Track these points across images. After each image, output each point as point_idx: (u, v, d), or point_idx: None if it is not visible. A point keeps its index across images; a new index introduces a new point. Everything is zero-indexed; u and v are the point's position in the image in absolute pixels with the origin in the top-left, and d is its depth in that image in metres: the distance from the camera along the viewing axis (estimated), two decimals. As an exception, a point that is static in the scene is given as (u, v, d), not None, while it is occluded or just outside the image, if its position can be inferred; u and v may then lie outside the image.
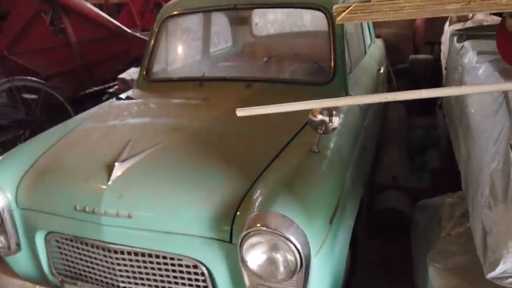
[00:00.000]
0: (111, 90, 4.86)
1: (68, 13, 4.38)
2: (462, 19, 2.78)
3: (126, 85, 4.92)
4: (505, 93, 0.89)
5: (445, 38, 3.67)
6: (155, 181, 1.56)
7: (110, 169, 1.60)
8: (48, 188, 1.70)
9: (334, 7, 0.84)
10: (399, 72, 4.94)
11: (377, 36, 4.88)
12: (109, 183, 1.55)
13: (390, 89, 4.76)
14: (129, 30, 4.45)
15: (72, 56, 4.46)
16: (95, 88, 4.77)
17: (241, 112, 1.15)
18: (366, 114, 2.42)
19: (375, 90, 2.98)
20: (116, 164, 1.60)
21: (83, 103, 4.27)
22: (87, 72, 4.52)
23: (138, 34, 4.47)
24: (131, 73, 5.00)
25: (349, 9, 0.78)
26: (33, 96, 3.38)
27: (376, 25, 6.04)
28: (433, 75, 4.28)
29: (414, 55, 4.91)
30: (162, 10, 2.76)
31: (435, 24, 4.67)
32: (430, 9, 0.78)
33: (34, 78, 3.52)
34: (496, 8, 0.75)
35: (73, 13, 4.37)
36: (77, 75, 4.48)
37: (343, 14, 0.80)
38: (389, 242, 2.68)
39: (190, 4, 2.69)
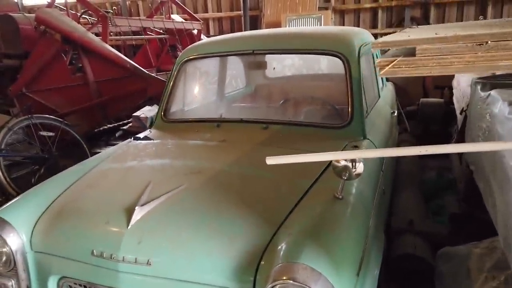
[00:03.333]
0: (125, 127, 4.92)
1: (87, 53, 4.53)
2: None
3: (140, 122, 4.99)
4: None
5: (456, 82, 3.71)
6: (175, 227, 1.53)
7: (129, 213, 1.58)
8: (65, 231, 1.67)
9: (377, 60, 0.85)
10: (409, 115, 4.97)
11: (387, 80, 4.97)
12: (129, 227, 1.52)
13: (402, 130, 4.78)
14: (145, 70, 4.57)
15: (89, 94, 4.56)
16: (110, 125, 4.84)
17: (270, 161, 1.14)
18: (383, 160, 2.40)
19: (390, 133, 2.98)
20: (136, 208, 1.58)
21: (97, 139, 4.31)
22: (102, 110, 4.60)
23: (153, 75, 4.58)
24: (145, 111, 5.09)
25: (393, 63, 0.78)
26: (50, 134, 3.42)
27: (385, 68, 6.16)
28: (444, 117, 4.30)
29: (424, 98, 4.96)
30: (181, 54, 2.84)
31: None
32: (480, 65, 0.78)
33: (52, 116, 3.58)
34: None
35: (92, 53, 4.52)
36: (93, 113, 4.56)
37: (387, 68, 0.80)
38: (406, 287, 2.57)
39: (209, 49, 2.77)
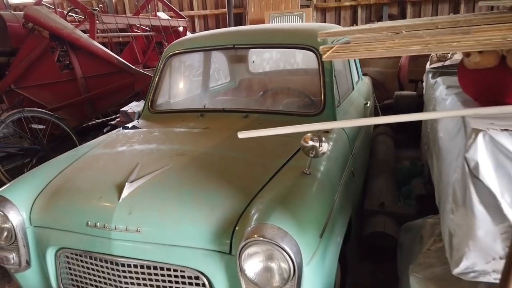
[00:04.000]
0: (113, 123, 5.06)
1: (75, 50, 4.66)
2: (441, 59, 3.06)
3: (128, 117, 5.14)
4: (463, 118, 1.09)
5: (425, 80, 3.98)
6: (161, 200, 1.72)
7: (120, 189, 1.76)
8: (62, 206, 1.84)
9: (321, 47, 1.04)
10: (386, 108, 5.22)
11: (365, 74, 5.21)
12: (120, 201, 1.71)
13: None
14: (132, 66, 4.72)
15: (78, 90, 4.69)
16: (98, 121, 4.98)
17: (242, 135, 1.34)
18: (354, 144, 2.63)
19: (363, 122, 3.20)
20: (126, 184, 1.77)
21: (85, 134, 4.45)
22: (91, 105, 4.73)
23: (141, 70, 4.74)
24: (133, 106, 5.23)
25: (333, 49, 0.98)
26: (40, 127, 3.56)
27: (364, 64, 6.44)
28: (417, 109, 4.55)
29: (399, 91, 5.22)
30: (167, 48, 3.02)
31: (418, 63, 5.02)
32: (397, 49, 0.99)
33: (42, 110, 3.72)
34: (448, 49, 0.96)
35: (80, 50, 4.65)
36: (82, 108, 4.70)
37: (328, 53, 1.00)
38: (378, 265, 2.81)
39: (193, 44, 2.96)
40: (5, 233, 1.89)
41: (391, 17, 7.30)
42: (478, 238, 1.00)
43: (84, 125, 4.77)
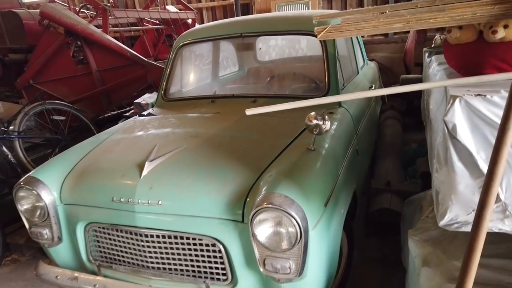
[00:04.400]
0: (127, 114, 5.26)
1: (90, 45, 4.84)
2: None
3: (141, 109, 5.32)
4: (445, 88, 1.22)
5: (423, 61, 4.06)
6: (178, 175, 1.89)
7: (141, 167, 1.94)
8: (89, 185, 2.03)
9: (316, 28, 1.17)
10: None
11: (372, 60, 5.29)
12: (141, 178, 1.88)
13: (388, 107, 5.13)
14: (145, 58, 4.89)
15: (93, 83, 4.88)
16: (113, 112, 5.17)
17: (249, 112, 1.48)
18: (358, 125, 2.76)
19: (367, 105, 3.32)
20: (146, 163, 1.94)
21: (102, 126, 4.65)
22: (106, 97, 4.93)
23: (153, 62, 4.91)
24: (146, 98, 5.42)
25: (326, 29, 1.12)
26: (61, 118, 3.76)
27: (371, 50, 6.51)
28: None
29: (405, 75, 5.28)
30: (177, 39, 3.17)
31: (424, 47, 5.08)
32: (382, 27, 1.12)
33: (62, 102, 3.92)
34: (426, 25, 1.09)
35: (94, 44, 4.83)
36: (98, 100, 4.89)
37: (322, 33, 1.13)
38: (384, 240, 2.95)
39: (202, 34, 3.10)
40: (39, 211, 2.08)
41: (398, 2, 7.29)
42: (459, 192, 1.13)
43: (100, 117, 4.97)
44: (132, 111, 5.43)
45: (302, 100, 1.51)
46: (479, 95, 1.04)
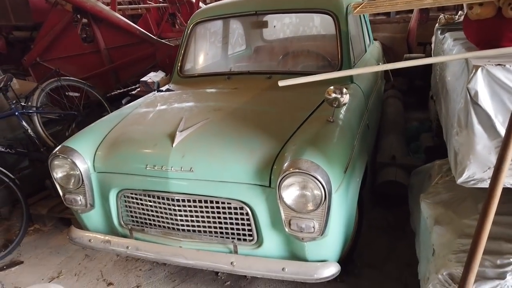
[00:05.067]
0: (133, 92, 5.34)
1: (98, 22, 4.87)
2: (449, 21, 3.25)
3: (148, 87, 5.41)
4: (466, 60, 1.35)
5: (435, 38, 4.16)
6: (208, 144, 2.02)
7: (172, 137, 2.06)
8: (122, 154, 2.15)
9: (352, 4, 1.28)
10: (395, 71, 5.42)
11: (375, 39, 5.38)
12: (173, 146, 2.01)
13: (389, 87, 5.27)
14: (153, 36, 4.94)
15: (101, 61, 4.94)
16: (119, 91, 5.25)
17: (282, 83, 1.60)
18: (368, 101, 2.89)
19: (375, 82, 3.45)
20: (177, 133, 2.07)
21: (111, 103, 4.74)
22: (114, 75, 5.00)
23: (162, 40, 4.96)
24: (152, 76, 5.50)
25: (362, 5, 1.23)
26: (76, 94, 3.85)
27: (374, 29, 6.57)
28: (425, 70, 4.72)
29: (408, 54, 5.39)
30: (192, 16, 3.25)
31: (427, 27, 5.18)
32: (413, 3, 1.24)
33: (76, 79, 3.99)
34: (454, 2, 1.21)
35: (103, 21, 4.86)
36: (106, 78, 4.96)
37: (358, 8, 1.25)
38: (389, 210, 3.13)
39: (216, 11, 3.18)
40: (73, 179, 2.21)
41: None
42: (477, 152, 1.28)
43: (108, 94, 5.04)
44: (139, 89, 5.52)
45: (329, 73, 1.63)
46: (499, 64, 1.17)
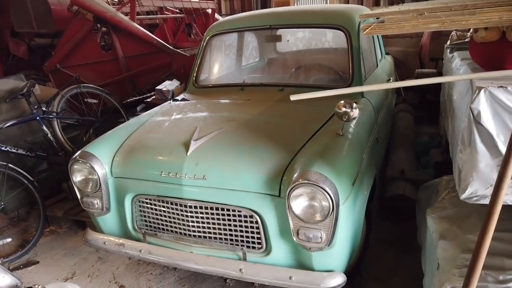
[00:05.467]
0: (149, 100, 5.48)
1: (117, 32, 5.04)
2: (461, 37, 3.31)
3: (162, 95, 5.55)
4: (471, 80, 1.41)
5: (444, 56, 4.21)
6: (221, 153, 2.10)
7: (186, 145, 2.15)
8: (138, 160, 2.25)
9: (362, 25, 1.36)
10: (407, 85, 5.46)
11: (387, 53, 5.44)
12: (188, 155, 2.09)
13: (401, 101, 5.30)
14: (170, 46, 5.09)
15: (118, 69, 5.09)
16: (135, 98, 5.39)
17: (294, 97, 1.67)
18: (378, 115, 2.95)
19: (386, 96, 3.51)
20: (191, 141, 2.16)
21: (127, 110, 4.87)
22: (131, 83, 5.15)
23: (178, 50, 5.10)
24: (167, 85, 5.64)
25: (371, 27, 1.30)
26: (94, 101, 3.99)
27: (386, 44, 6.63)
28: (437, 87, 4.76)
29: (420, 69, 5.43)
30: (208, 29, 3.36)
31: (439, 42, 5.23)
32: (420, 27, 1.31)
33: (94, 86, 4.14)
34: (459, 26, 1.27)
35: (122, 31, 5.03)
36: (123, 86, 5.11)
37: (367, 30, 1.32)
38: (398, 224, 3.16)
39: (232, 25, 3.29)
40: (91, 183, 2.31)
41: (414, -3, 7.40)
42: (480, 169, 1.33)
43: (124, 101, 5.19)
44: (154, 97, 5.66)
45: (340, 89, 1.70)
46: (501, 86, 1.23)
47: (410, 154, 3.89)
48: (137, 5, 5.40)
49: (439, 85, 5.04)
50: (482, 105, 1.27)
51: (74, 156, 2.31)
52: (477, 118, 1.29)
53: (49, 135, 3.46)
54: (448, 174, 2.47)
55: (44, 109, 3.53)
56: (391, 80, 3.77)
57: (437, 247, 1.80)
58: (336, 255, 1.97)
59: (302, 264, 2.02)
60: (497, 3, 1.16)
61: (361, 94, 2.79)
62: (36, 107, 3.43)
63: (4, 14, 6.29)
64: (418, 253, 2.40)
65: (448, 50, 2.35)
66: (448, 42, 3.84)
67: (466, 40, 2.62)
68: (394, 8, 1.55)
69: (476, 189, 1.37)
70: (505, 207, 1.17)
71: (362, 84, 2.82)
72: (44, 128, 3.43)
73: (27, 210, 3.64)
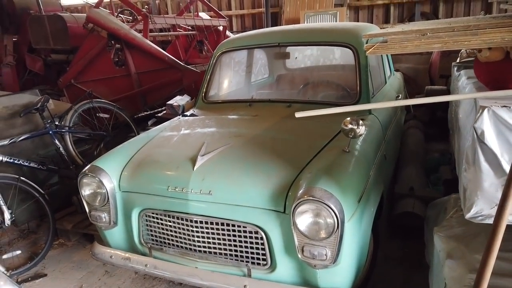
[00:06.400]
0: (160, 115, 5.56)
1: (130, 48, 5.17)
2: (471, 55, 3.30)
3: (173, 110, 5.62)
4: (475, 99, 1.41)
5: (452, 74, 4.20)
6: (227, 169, 2.12)
7: (193, 161, 2.18)
8: (146, 175, 2.28)
9: (365, 45, 1.38)
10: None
11: (397, 70, 5.45)
12: (194, 170, 2.12)
13: (411, 117, 5.28)
14: (181, 63, 5.18)
15: (131, 84, 5.20)
16: (146, 113, 5.47)
17: (299, 114, 1.70)
18: (386, 132, 2.95)
19: (394, 113, 3.50)
20: (198, 157, 2.18)
21: (138, 124, 4.95)
22: (142, 98, 5.24)
23: (189, 67, 5.19)
24: (178, 100, 5.72)
25: (374, 47, 1.32)
26: (105, 115, 4.07)
27: (396, 60, 6.66)
28: (447, 103, 4.75)
29: (430, 86, 5.42)
30: (218, 46, 3.43)
31: (450, 59, 5.22)
32: (422, 47, 1.32)
33: (107, 101, 4.23)
34: (461, 47, 1.28)
35: (135, 48, 5.15)
36: (134, 101, 5.21)
37: (370, 49, 1.34)
38: (406, 241, 3.12)
39: (242, 42, 3.35)
40: (99, 197, 2.34)
41: (424, 15, 7.44)
42: (484, 188, 1.32)
43: (135, 116, 5.27)
44: (164, 112, 5.74)
45: (346, 106, 1.72)
46: (504, 106, 1.23)
47: (419, 171, 3.85)
48: (150, 23, 5.53)
49: (449, 102, 5.05)
50: (486, 124, 1.27)
51: (83, 170, 2.35)
52: (481, 137, 1.28)
53: (61, 149, 3.53)
54: (456, 192, 2.45)
55: (57, 123, 3.61)
56: (400, 97, 3.76)
57: (444, 266, 1.78)
58: (341, 272, 1.95)
59: (307, 282, 2.00)
60: (499, 24, 1.18)
61: (369, 111, 2.80)
62: (49, 121, 3.51)
63: (22, 32, 6.52)
64: (426, 272, 2.36)
65: (456, 68, 2.36)
66: (458, 60, 3.84)
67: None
68: (397, 28, 1.58)
69: (481, 208, 1.35)
70: (510, 227, 1.16)
71: (370, 101, 2.83)
72: (57, 142, 3.50)
73: (37, 223, 3.69)
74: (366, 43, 2.95)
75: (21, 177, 3.05)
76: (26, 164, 3.24)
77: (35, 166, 3.31)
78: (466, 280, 1.59)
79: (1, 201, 2.93)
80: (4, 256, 3.21)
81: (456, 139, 1.94)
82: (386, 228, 3.27)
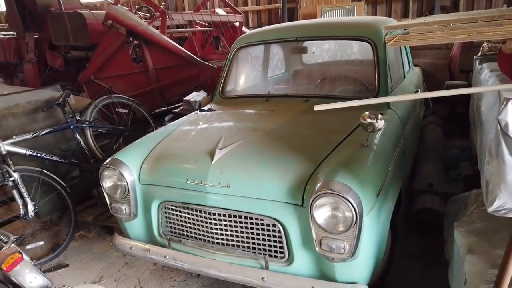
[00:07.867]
0: (176, 110, 5.61)
1: (148, 45, 5.22)
2: (493, 49, 3.23)
3: (190, 106, 5.67)
4: (499, 92, 1.38)
5: (474, 67, 4.12)
6: (245, 162, 2.14)
7: (212, 154, 2.20)
8: (165, 168, 2.31)
9: (386, 37, 1.37)
10: (436, 98, 5.35)
11: (415, 65, 5.37)
12: (213, 163, 2.14)
13: (430, 113, 5.19)
14: (198, 59, 5.22)
15: (148, 80, 5.26)
16: (163, 108, 5.54)
17: (318, 107, 1.70)
18: (405, 127, 2.91)
19: (413, 108, 3.45)
20: (216, 151, 2.20)
21: (156, 120, 5.01)
22: (160, 94, 5.30)
23: (206, 62, 5.23)
24: (194, 96, 5.77)
25: (395, 38, 1.31)
26: (124, 110, 4.14)
27: (415, 55, 6.55)
28: (467, 99, 4.66)
29: (449, 81, 5.32)
30: (235, 42, 3.44)
31: (470, 54, 5.11)
32: (445, 38, 1.31)
33: (126, 96, 4.30)
34: (485, 37, 1.26)
35: (152, 44, 5.21)
36: (152, 96, 5.27)
37: (392, 41, 1.33)
38: (424, 238, 3.08)
39: (259, 37, 3.35)
40: (120, 189, 2.39)
41: (444, 9, 7.27)
42: (507, 182, 1.29)
43: (153, 111, 5.34)
44: (181, 107, 5.80)
45: (365, 99, 1.71)
46: (529, 98, 1.21)
47: (438, 167, 3.80)
48: (168, 19, 5.58)
49: (469, 97, 4.93)
50: (510, 116, 1.24)
51: (104, 163, 2.40)
52: (505, 129, 1.26)
53: (81, 143, 3.61)
54: (477, 188, 2.41)
55: (77, 118, 3.69)
56: (419, 92, 3.71)
57: (465, 262, 1.76)
58: (359, 266, 1.95)
59: (325, 275, 2.01)
60: (525, 14, 1.15)
61: (387, 105, 2.77)
62: (70, 116, 3.59)
63: (43, 29, 6.66)
64: (445, 268, 2.33)
65: (478, 62, 2.31)
66: (479, 54, 3.76)
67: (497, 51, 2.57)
68: (420, 19, 1.56)
69: (504, 201, 1.33)
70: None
71: (388, 95, 2.80)
72: (78, 136, 3.58)
73: (58, 215, 3.79)
74: (386, 36, 2.94)
75: (44, 170, 3.13)
76: (49, 157, 3.33)
77: (57, 159, 3.40)
78: (487, 276, 1.57)
79: (25, 193, 3.01)
80: (28, 247, 3.31)
81: (478, 133, 1.90)
82: (405, 224, 3.24)
